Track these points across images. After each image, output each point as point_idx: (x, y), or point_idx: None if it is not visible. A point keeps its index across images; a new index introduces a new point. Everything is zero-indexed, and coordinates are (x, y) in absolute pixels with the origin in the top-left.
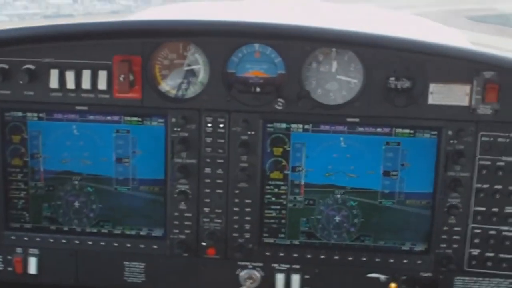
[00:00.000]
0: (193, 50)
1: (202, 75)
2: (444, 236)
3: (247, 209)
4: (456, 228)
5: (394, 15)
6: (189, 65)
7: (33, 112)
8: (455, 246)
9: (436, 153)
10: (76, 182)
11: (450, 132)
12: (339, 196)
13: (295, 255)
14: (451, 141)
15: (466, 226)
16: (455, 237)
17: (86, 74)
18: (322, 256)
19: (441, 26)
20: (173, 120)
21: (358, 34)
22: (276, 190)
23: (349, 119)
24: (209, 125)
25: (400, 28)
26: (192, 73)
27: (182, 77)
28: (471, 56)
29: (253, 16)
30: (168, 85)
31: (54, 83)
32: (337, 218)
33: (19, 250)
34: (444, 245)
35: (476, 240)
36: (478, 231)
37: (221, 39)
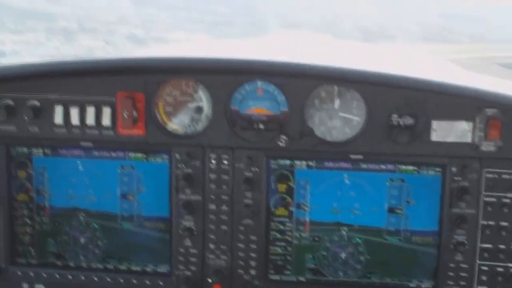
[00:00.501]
0: (196, 87)
1: (206, 112)
2: (451, 274)
3: (252, 246)
4: (463, 265)
5: (412, 55)
6: (192, 102)
7: (38, 148)
8: (462, 283)
9: (440, 190)
10: (82, 218)
11: (454, 169)
12: (344, 233)
13: None
14: (456, 178)
15: (473, 263)
16: (462, 274)
17: (90, 111)
18: None
19: (453, 65)
20: (177, 156)
21: (359, 72)
22: (281, 226)
23: (352, 156)
24: (213, 161)
25: (410, 65)
26: (196, 110)
27: (186, 113)
28: (473, 94)
29: (267, 53)
30: (171, 121)
31: (58, 119)
32: (343, 255)
33: (25, 285)
34: (452, 283)
35: (484, 277)
36: (486, 268)
37: (224, 77)
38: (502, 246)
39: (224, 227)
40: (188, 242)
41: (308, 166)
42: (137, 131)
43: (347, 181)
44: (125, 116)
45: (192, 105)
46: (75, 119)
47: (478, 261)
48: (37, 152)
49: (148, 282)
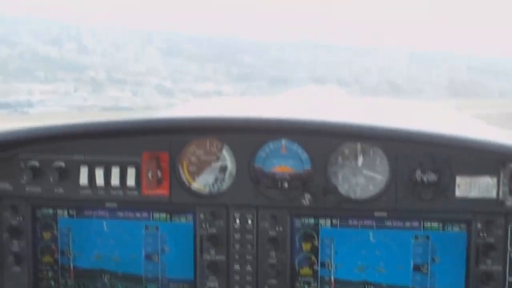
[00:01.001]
0: (220, 146)
1: (230, 170)
2: None
3: None
4: None
5: (429, 108)
6: (217, 161)
7: (63, 209)
8: None
9: (466, 247)
10: (107, 280)
11: (479, 225)
12: None
13: None
14: (481, 234)
15: None
16: None
17: (115, 171)
18: None
19: (475, 120)
20: (202, 216)
21: (382, 129)
22: (306, 286)
23: (377, 214)
24: (237, 221)
25: (432, 121)
26: (220, 169)
27: (210, 172)
28: (496, 149)
29: (292, 110)
30: (195, 181)
31: (83, 180)
32: None
33: None
34: None
35: None
36: None
37: (248, 135)
38: None
39: None
40: None
41: (332, 224)
42: (162, 191)
43: (372, 239)
44: (150, 176)
45: (216, 164)
46: (100, 180)
47: None
48: (62, 213)
49: None
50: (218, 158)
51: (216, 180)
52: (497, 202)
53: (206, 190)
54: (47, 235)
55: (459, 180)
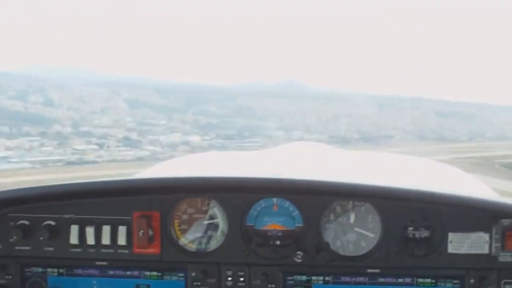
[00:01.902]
0: (212, 204)
1: (221, 228)
2: None
3: None
4: None
5: (417, 162)
6: (208, 219)
7: (53, 267)
8: None
9: None
10: None
11: (472, 281)
12: None
13: None
14: None
15: None
16: None
17: (106, 230)
18: None
19: (462, 172)
20: (193, 274)
21: (374, 188)
22: None
23: (369, 270)
24: (229, 278)
25: (420, 175)
26: (212, 227)
27: (202, 231)
28: (488, 205)
29: (275, 167)
30: (187, 239)
31: (74, 239)
32: None
33: None
34: None
35: None
36: None
37: (239, 194)
38: None
39: None
40: None
41: (325, 281)
42: (153, 250)
43: None
44: (141, 235)
45: (207, 222)
46: (90, 239)
47: None
48: (52, 272)
49: None
50: (209, 216)
51: (207, 238)
52: (490, 258)
53: (196, 248)
54: None
55: (451, 236)
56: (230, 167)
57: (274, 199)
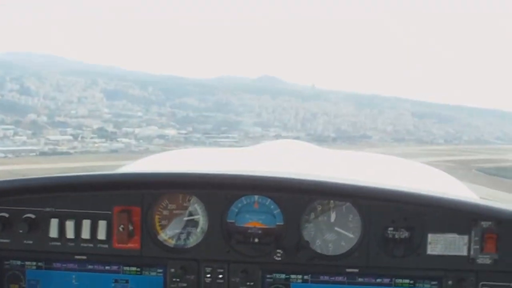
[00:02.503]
0: (193, 200)
1: (202, 225)
2: None
3: None
4: None
5: (399, 162)
6: (189, 215)
7: (32, 261)
8: None
9: None
10: None
11: (450, 282)
12: None
13: None
14: None
15: None
16: None
17: (86, 224)
18: None
19: (444, 174)
20: (172, 270)
21: (355, 187)
22: None
23: (348, 270)
24: (208, 275)
25: (402, 175)
26: (192, 223)
27: (182, 227)
28: (468, 207)
29: (257, 164)
30: (167, 235)
31: (54, 232)
32: None
33: None
34: None
35: None
36: None
37: (221, 191)
38: None
39: None
40: None
41: (303, 280)
42: (133, 245)
43: None
44: (121, 230)
45: (188, 218)
46: (70, 232)
47: None
48: (31, 265)
49: None
50: (190, 213)
51: (187, 234)
52: (468, 260)
53: (176, 244)
54: (14, 287)
55: (430, 237)
56: (212, 164)
57: (255, 197)
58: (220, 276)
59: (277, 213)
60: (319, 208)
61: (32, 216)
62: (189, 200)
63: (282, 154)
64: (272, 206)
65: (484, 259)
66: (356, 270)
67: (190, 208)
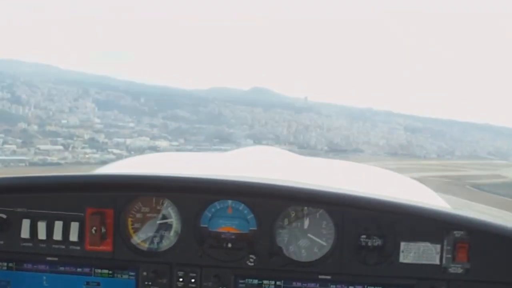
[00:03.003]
0: (166, 204)
1: (175, 228)
2: None
3: None
4: None
5: (374, 171)
6: (162, 219)
7: (3, 261)
8: None
9: None
10: None
11: None
12: None
13: None
14: None
15: None
16: None
17: (58, 225)
18: None
19: (419, 184)
20: (144, 273)
21: (328, 194)
22: None
23: (321, 277)
24: (181, 279)
25: (376, 184)
26: (165, 227)
27: (155, 230)
28: (440, 216)
29: (233, 169)
30: (140, 238)
31: (25, 233)
32: None
33: None
34: None
35: None
36: None
37: (194, 195)
38: None
39: None
40: None
41: (276, 285)
42: (105, 247)
43: None
44: (93, 232)
45: (161, 222)
46: (42, 233)
47: None
48: (1, 265)
49: None
50: (163, 216)
51: (160, 237)
52: (440, 269)
53: (148, 247)
54: None
55: (403, 245)
56: (186, 168)
57: (229, 201)
58: (193, 280)
59: (251, 218)
60: (293, 214)
61: (4, 216)
62: (162, 204)
63: (258, 160)
64: (245, 211)
65: (456, 268)
66: (328, 277)
67: (163, 212)
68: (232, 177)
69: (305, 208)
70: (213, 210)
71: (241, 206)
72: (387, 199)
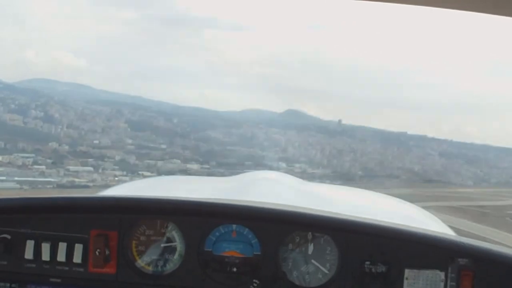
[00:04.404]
0: (171, 227)
1: (179, 252)
2: None
3: None
4: None
5: (379, 197)
6: (166, 242)
7: (6, 282)
8: None
9: None
10: None
11: None
12: None
13: None
14: None
15: None
16: None
17: (62, 247)
18: None
19: (425, 211)
20: None
21: (333, 220)
22: None
23: None
24: None
25: (382, 211)
26: (169, 250)
27: (159, 253)
28: (445, 244)
29: (238, 193)
30: (144, 261)
31: (29, 254)
32: None
33: None
34: None
35: None
36: None
37: (199, 218)
38: None
39: None
40: None
41: None
42: (108, 270)
43: None
44: (97, 254)
45: (165, 245)
46: (46, 255)
47: None
48: (4, 286)
49: None
50: (167, 239)
51: (164, 260)
52: None
53: (150, 268)
54: None
55: (407, 273)
56: (192, 191)
57: (233, 226)
58: None
59: (255, 243)
60: (297, 240)
61: (8, 236)
62: (167, 227)
63: (263, 184)
64: (250, 236)
65: None
66: None
67: (167, 235)
68: (236, 201)
69: (310, 233)
70: (217, 234)
71: (245, 231)
72: (391, 226)
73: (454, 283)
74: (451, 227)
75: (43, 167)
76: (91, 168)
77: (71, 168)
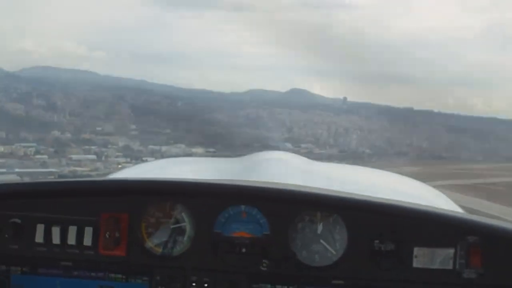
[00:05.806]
0: (180, 209)
1: (189, 233)
2: None
3: None
4: None
5: (389, 176)
6: (175, 224)
7: (17, 266)
8: None
9: None
10: None
11: None
12: None
13: None
14: None
15: None
16: None
17: (72, 230)
18: None
19: (433, 189)
20: (158, 278)
21: (342, 199)
22: None
23: (334, 281)
24: (194, 284)
25: (390, 189)
26: (178, 231)
27: (168, 235)
28: (454, 221)
29: (247, 174)
30: (153, 243)
31: (39, 238)
32: None
33: None
34: None
35: None
36: None
37: (208, 200)
38: None
39: None
40: None
41: None
42: (119, 252)
43: None
44: (107, 236)
45: (175, 227)
46: (56, 238)
47: None
48: (16, 270)
49: None
50: (177, 221)
51: (174, 242)
52: (454, 274)
53: (162, 252)
54: None
55: (416, 250)
56: (200, 173)
57: (243, 206)
58: (206, 285)
59: (264, 223)
60: (306, 219)
61: (18, 221)
62: (176, 208)
63: (271, 165)
64: (258, 216)
65: (469, 273)
66: (341, 282)
67: (177, 217)
68: (245, 182)
69: (319, 212)
70: (226, 215)
71: (254, 211)
72: (400, 204)
73: (463, 261)
74: (463, 207)
75: (45, 156)
76: (94, 156)
77: (74, 157)
